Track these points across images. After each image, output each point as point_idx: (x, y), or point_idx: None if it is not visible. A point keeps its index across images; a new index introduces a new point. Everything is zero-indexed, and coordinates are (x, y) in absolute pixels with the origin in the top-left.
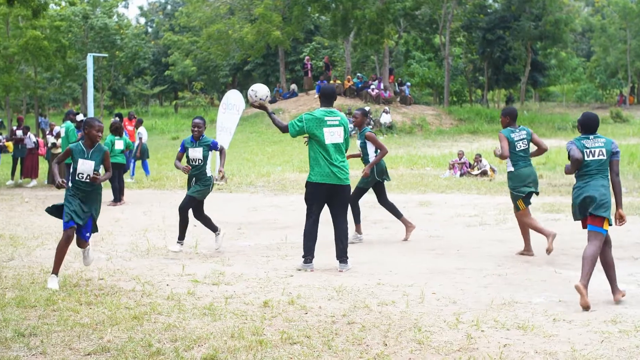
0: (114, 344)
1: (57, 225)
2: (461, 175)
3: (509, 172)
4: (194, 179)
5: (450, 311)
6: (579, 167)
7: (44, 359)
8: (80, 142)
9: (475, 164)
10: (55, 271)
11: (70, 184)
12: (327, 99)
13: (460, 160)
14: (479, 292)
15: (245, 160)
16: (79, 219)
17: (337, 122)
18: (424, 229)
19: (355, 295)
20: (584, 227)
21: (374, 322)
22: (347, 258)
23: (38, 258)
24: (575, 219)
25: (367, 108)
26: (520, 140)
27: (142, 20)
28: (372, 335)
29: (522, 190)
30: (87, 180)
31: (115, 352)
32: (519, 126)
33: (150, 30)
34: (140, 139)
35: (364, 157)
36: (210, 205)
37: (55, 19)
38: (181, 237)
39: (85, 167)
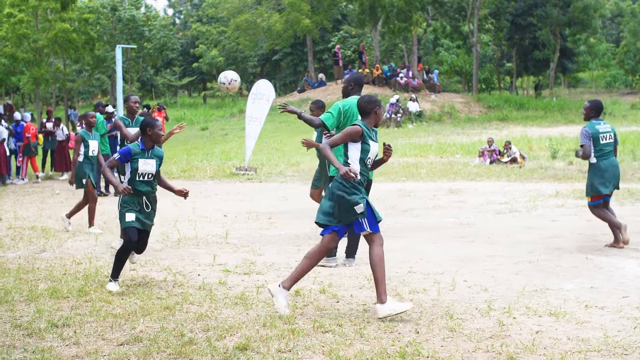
0: (147, 334)
1: (87, 217)
2: (491, 162)
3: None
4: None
5: (481, 298)
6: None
7: (77, 349)
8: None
9: (505, 151)
10: (290, 285)
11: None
12: (359, 87)
13: (489, 147)
14: (510, 279)
15: (274, 149)
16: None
17: None
18: (455, 216)
19: (387, 284)
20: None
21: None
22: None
23: (69, 250)
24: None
25: (396, 97)
26: None
27: (170, 12)
28: (404, 323)
29: None
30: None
31: (148, 342)
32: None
33: (178, 21)
34: None
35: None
36: (241, 195)
37: (83, 11)
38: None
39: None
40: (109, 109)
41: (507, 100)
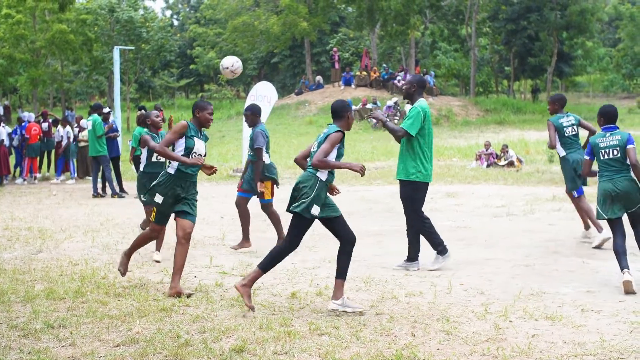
0: (143, 335)
1: (84, 218)
2: (488, 166)
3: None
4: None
5: (478, 302)
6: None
7: (73, 350)
8: None
9: (502, 154)
10: None
11: None
12: (421, 88)
13: (487, 151)
14: (507, 283)
15: (271, 151)
16: None
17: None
18: (452, 219)
19: (383, 286)
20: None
21: (402, 313)
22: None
23: (66, 250)
24: None
25: (394, 99)
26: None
27: (168, 13)
28: (400, 325)
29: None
30: None
31: (144, 343)
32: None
33: (176, 23)
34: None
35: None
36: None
37: (81, 12)
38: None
39: None
40: (106, 110)
41: (505, 103)
